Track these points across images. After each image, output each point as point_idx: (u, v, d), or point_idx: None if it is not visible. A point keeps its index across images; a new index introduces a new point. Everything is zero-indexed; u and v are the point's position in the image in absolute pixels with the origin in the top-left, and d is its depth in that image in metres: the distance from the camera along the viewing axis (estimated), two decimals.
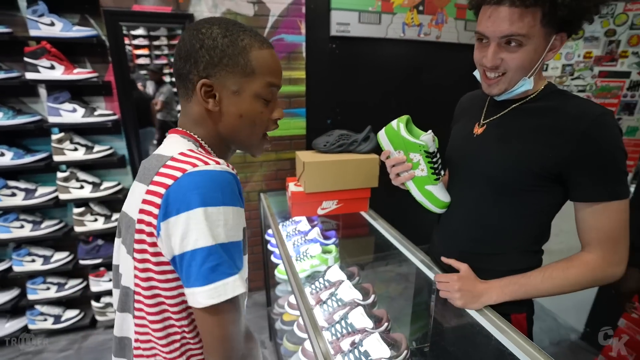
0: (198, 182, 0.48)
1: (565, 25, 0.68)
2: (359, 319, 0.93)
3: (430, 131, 0.85)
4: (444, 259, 0.89)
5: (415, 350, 1.01)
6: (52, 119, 1.65)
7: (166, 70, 3.89)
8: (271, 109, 0.61)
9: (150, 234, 0.50)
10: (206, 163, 0.50)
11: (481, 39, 0.73)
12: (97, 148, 1.75)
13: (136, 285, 0.54)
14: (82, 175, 1.76)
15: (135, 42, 4.25)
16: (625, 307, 1.12)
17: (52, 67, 1.59)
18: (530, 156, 0.73)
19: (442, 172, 0.88)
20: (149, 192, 0.50)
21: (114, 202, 1.87)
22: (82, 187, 1.74)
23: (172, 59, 3.59)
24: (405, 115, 0.88)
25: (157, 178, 0.50)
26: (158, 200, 0.49)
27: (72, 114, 1.66)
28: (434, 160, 0.85)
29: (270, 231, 1.57)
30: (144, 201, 0.50)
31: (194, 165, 0.49)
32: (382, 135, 0.89)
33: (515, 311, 0.83)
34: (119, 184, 1.85)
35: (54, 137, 1.67)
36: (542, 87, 0.77)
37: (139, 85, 3.69)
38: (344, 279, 1.12)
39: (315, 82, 2.10)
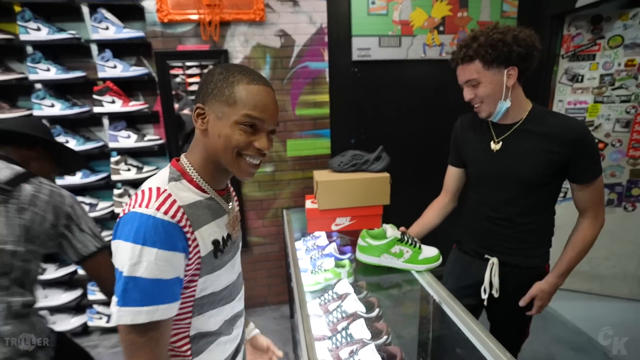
0: (130, 220, 0.57)
1: (507, 62, 0.99)
2: (359, 330, 0.99)
3: (385, 225, 1.17)
4: (522, 302, 1.14)
5: None
6: (111, 145, 1.95)
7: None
8: (254, 138, 0.66)
9: None
10: (139, 205, 0.58)
11: (462, 88, 1.10)
12: (146, 168, 2.02)
13: None
14: (133, 192, 2.03)
15: (189, 71, 4.81)
16: None
17: (113, 102, 1.89)
18: (545, 161, 1.03)
19: (415, 239, 1.18)
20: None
21: None
22: None
23: None
24: (363, 230, 1.21)
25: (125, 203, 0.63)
26: None
27: (127, 139, 1.95)
28: (407, 238, 1.15)
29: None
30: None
31: (133, 206, 0.58)
32: (361, 256, 1.17)
33: (547, 262, 1.15)
34: None
35: (112, 159, 1.96)
36: (530, 109, 1.08)
37: (188, 110, 4.10)
38: (350, 292, 1.18)
39: (339, 104, 2.22)
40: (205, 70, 4.76)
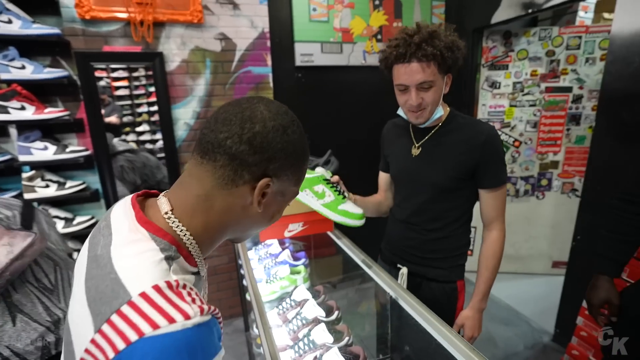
0: (157, 353, 0.37)
1: (450, 69, 0.98)
2: (321, 335, 0.98)
3: (321, 167, 1.08)
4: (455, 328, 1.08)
5: None
6: (22, 158, 1.67)
7: (122, 93, 3.86)
8: None
9: None
10: (171, 321, 0.38)
11: (403, 89, 0.99)
12: (69, 184, 1.78)
13: None
14: (54, 211, 1.77)
15: (114, 74, 4.33)
16: (596, 319, 1.10)
17: (23, 108, 1.63)
18: (455, 165, 1.02)
19: (346, 194, 1.10)
20: (95, 342, 0.39)
21: (87, 237, 1.87)
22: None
23: (149, 89, 3.58)
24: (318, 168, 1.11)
25: (106, 328, 0.38)
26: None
27: (44, 151, 1.69)
28: (334, 185, 1.07)
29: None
30: (89, 349, 0.39)
31: (155, 327, 0.37)
32: None
33: (459, 277, 1.13)
34: (92, 218, 1.86)
35: (24, 175, 1.69)
36: (447, 114, 1.07)
37: (115, 117, 3.71)
38: (309, 297, 1.17)
39: None
40: (137, 74, 4.32)
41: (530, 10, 1.94)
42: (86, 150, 1.79)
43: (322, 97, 2.31)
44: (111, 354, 0.37)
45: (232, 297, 2.33)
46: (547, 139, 2.47)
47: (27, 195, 1.69)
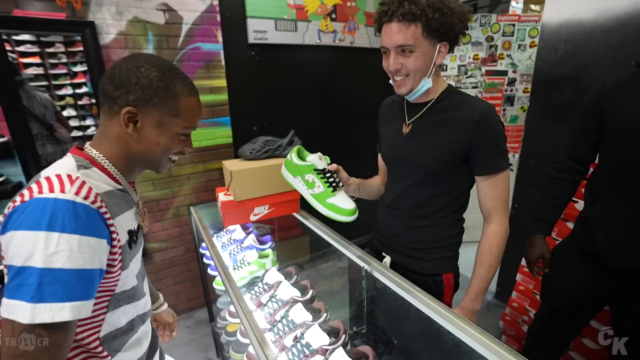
0: (34, 207, 0.51)
1: (443, 36, 0.86)
2: (299, 314, 0.97)
3: (318, 153, 0.97)
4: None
5: (354, 334, 1.09)
6: None
7: (65, 82, 3.38)
8: (184, 143, 0.70)
9: None
10: (51, 190, 0.52)
11: (385, 51, 0.89)
12: None
13: None
14: None
15: (21, 48, 3.63)
16: (533, 271, 1.24)
17: None
18: (444, 146, 0.92)
19: (340, 184, 0.98)
20: (9, 207, 0.54)
21: None
22: None
23: (71, 68, 3.16)
24: (297, 145, 1.03)
25: (17, 197, 0.54)
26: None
27: None
28: (327, 175, 0.96)
29: (204, 244, 1.52)
30: (5, 212, 0.54)
31: (40, 192, 0.52)
32: (284, 171, 1.01)
33: (445, 271, 1.03)
34: None
35: None
36: (444, 89, 0.96)
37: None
38: (282, 279, 1.15)
39: (238, 89, 2.09)
40: (53, 49, 3.74)
41: None
42: (2, 137, 1.52)
43: (277, 77, 2.23)
44: (12, 208, 0.53)
45: (190, 289, 2.21)
46: None
47: None
